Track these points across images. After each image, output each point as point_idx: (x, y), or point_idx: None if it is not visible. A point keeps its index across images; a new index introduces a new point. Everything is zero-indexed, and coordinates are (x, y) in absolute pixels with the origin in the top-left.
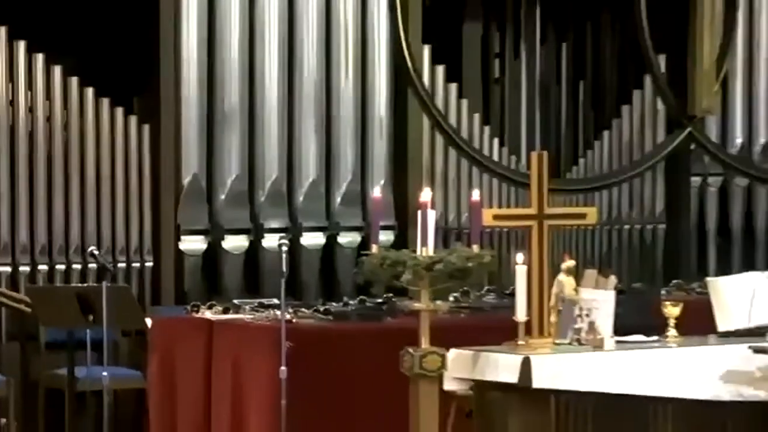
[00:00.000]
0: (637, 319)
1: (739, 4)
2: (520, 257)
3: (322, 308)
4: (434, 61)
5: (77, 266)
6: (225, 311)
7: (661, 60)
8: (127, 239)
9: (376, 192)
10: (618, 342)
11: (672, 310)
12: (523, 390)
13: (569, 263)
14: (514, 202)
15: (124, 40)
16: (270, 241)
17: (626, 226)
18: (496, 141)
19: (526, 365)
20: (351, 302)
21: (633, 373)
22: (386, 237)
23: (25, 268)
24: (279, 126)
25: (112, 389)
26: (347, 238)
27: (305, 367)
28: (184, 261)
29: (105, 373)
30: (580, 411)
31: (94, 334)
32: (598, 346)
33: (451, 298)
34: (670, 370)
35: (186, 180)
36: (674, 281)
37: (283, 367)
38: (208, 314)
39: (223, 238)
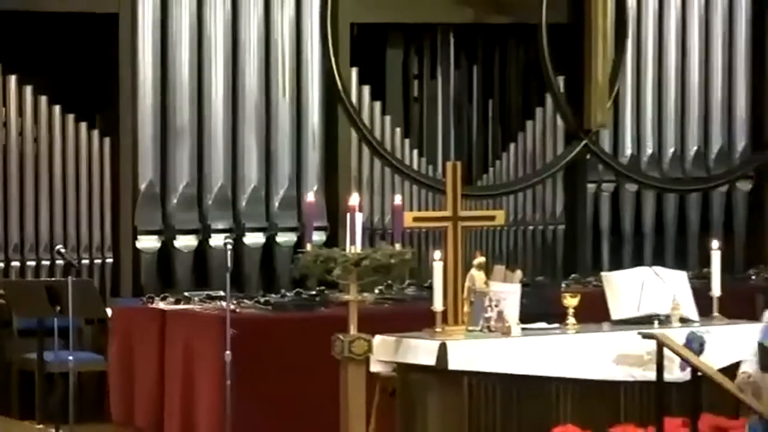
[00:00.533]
0: (540, 309)
1: (628, 32)
2: (437, 254)
3: (262, 299)
4: (361, 82)
5: (46, 262)
6: (177, 302)
7: (560, 81)
8: (90, 238)
9: (310, 197)
10: (523, 329)
11: (571, 301)
12: (440, 371)
13: (480, 259)
14: (432, 206)
15: (88, 63)
16: (216, 240)
17: (530, 227)
18: (415, 152)
19: (442, 350)
20: (288, 294)
21: (537, 356)
22: (319, 237)
23: None
24: (224, 139)
25: (77, 371)
26: (284, 238)
27: (247, 351)
28: (140, 258)
29: (71, 357)
30: (490, 390)
31: (61, 322)
32: (506, 332)
33: (376, 291)
34: (570, 354)
35: (142, 186)
36: (572, 275)
37: (227, 352)
38: (161, 305)
39: (175, 238)
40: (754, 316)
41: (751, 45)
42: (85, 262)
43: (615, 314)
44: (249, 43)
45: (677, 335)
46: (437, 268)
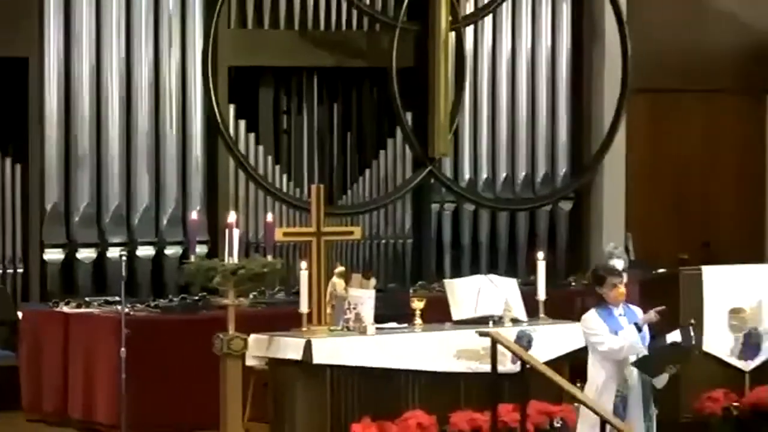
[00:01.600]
0: (391, 311)
1: (466, 74)
2: (303, 264)
3: (152, 304)
4: (237, 117)
5: None
6: (78, 306)
7: (408, 116)
8: (3, 251)
9: (194, 215)
10: (377, 328)
11: (418, 304)
12: (306, 365)
13: (340, 269)
14: (299, 223)
15: (2, 100)
16: (113, 252)
17: (383, 241)
18: (284, 177)
19: (308, 346)
20: (175, 299)
21: (389, 351)
22: (201, 249)
23: None
24: (120, 166)
25: None
26: (172, 250)
27: (140, 348)
28: (47, 268)
29: None
30: (349, 381)
31: None
32: (363, 331)
33: (251, 296)
34: (417, 349)
35: (48, 206)
36: (419, 282)
37: (122, 349)
38: (65, 309)
39: (77, 251)
40: (574, 317)
41: (571, 86)
42: None
43: (456, 315)
44: (141, 83)
45: (509, 333)
46: (303, 276)
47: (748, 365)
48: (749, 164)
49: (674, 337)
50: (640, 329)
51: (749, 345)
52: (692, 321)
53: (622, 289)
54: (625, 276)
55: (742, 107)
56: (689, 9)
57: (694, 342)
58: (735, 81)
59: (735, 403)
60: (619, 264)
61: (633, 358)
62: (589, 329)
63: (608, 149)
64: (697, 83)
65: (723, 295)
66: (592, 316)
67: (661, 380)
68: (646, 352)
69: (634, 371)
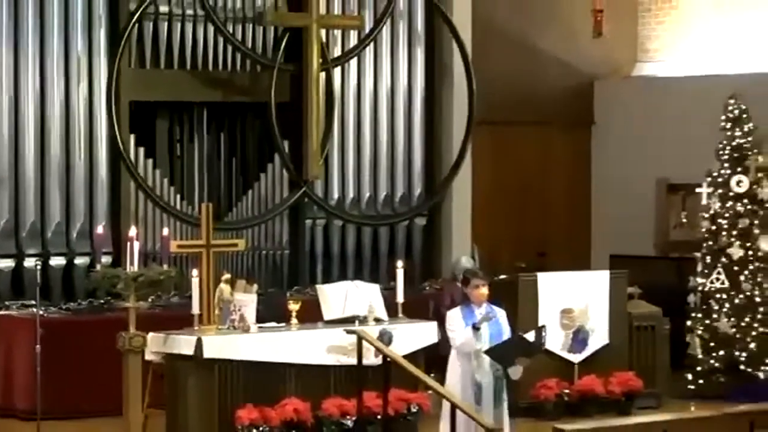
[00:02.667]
0: (271, 312)
1: (335, 107)
2: (194, 272)
3: (64, 306)
4: (137, 144)
5: None
6: None
7: (285, 144)
8: None
9: (100, 229)
10: (259, 327)
11: (294, 306)
12: (197, 359)
13: (227, 276)
14: (191, 236)
15: None
16: (29, 262)
17: (264, 252)
18: (178, 196)
19: (199, 343)
20: (83, 303)
21: (269, 347)
22: (106, 259)
23: None
24: (35, 186)
25: None
26: (80, 260)
27: (53, 345)
28: None
29: None
30: (235, 373)
31: None
32: (246, 330)
33: (150, 300)
34: (293, 345)
35: None
36: (295, 287)
37: (38, 346)
38: None
39: None
40: (428, 317)
41: (425, 118)
42: None
43: (326, 316)
44: (54, 113)
45: (372, 331)
46: (195, 282)
47: (577, 358)
48: (577, 185)
49: (528, 336)
50: (477, 328)
51: (578, 340)
52: (544, 324)
53: (483, 290)
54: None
55: (570, 137)
56: (524, 52)
57: (543, 341)
58: (564, 114)
59: (566, 390)
60: None
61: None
62: (448, 325)
63: (457, 173)
64: (532, 116)
65: (555, 297)
66: (453, 313)
67: (515, 372)
68: (478, 346)
69: (487, 363)
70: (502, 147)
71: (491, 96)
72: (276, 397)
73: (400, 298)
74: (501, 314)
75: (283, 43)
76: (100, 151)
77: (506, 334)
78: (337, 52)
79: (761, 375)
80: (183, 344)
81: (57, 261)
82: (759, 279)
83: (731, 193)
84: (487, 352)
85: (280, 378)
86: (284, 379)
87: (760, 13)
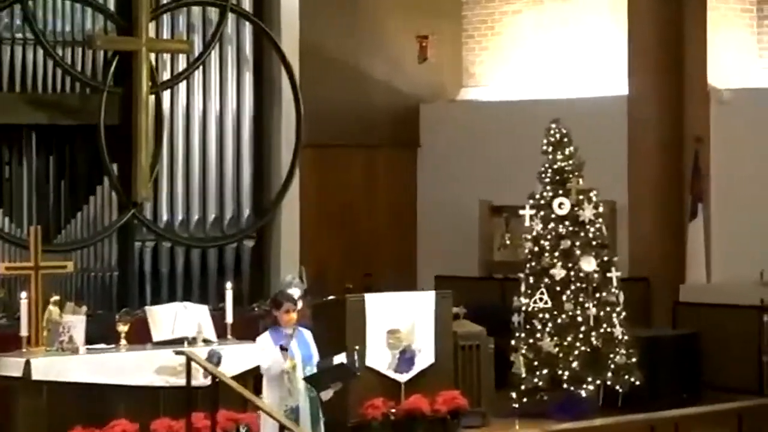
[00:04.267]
0: (100, 333)
1: (164, 130)
2: (23, 294)
3: None
4: None
5: None
6: None
7: (114, 167)
8: None
9: None
10: (88, 348)
11: (123, 327)
12: (25, 381)
13: (56, 298)
14: (19, 258)
15: None
16: None
17: (93, 273)
18: (7, 219)
19: (27, 365)
20: None
21: (98, 368)
22: None
23: None
24: None
25: None
26: None
27: None
28: None
29: None
30: (65, 396)
31: None
32: (75, 351)
33: None
34: (122, 366)
35: None
36: (124, 308)
37: None
38: None
39: None
40: (256, 338)
41: (254, 140)
42: None
43: (156, 337)
44: None
45: (201, 352)
46: (24, 304)
47: (403, 377)
48: (403, 207)
49: (341, 358)
50: (285, 349)
51: (404, 360)
52: (357, 347)
53: (292, 315)
54: (300, 303)
55: (396, 159)
56: (352, 76)
57: (357, 365)
58: (390, 137)
59: (392, 410)
60: (296, 293)
61: (301, 373)
62: (257, 352)
63: (285, 195)
64: (359, 139)
65: (382, 318)
66: (263, 337)
67: (326, 394)
68: (285, 367)
69: (302, 385)
70: (330, 169)
71: (319, 119)
72: (106, 419)
73: (229, 318)
74: (308, 335)
75: (113, 66)
76: None
77: (315, 355)
78: (166, 75)
79: (583, 393)
80: (11, 366)
81: None
82: (581, 299)
83: (553, 215)
84: (305, 379)
85: (110, 399)
86: (114, 400)
87: (578, 40)
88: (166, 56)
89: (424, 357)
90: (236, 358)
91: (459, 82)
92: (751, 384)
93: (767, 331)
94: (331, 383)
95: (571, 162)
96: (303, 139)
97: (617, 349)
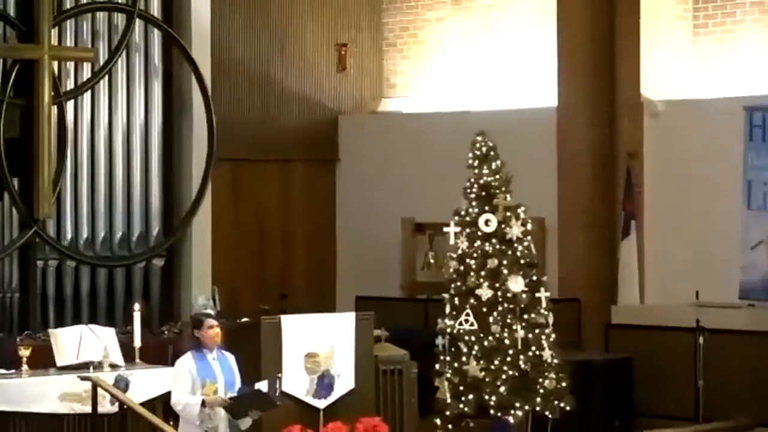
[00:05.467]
0: (1, 357)
1: (67, 143)
2: None
3: None
4: None
5: None
6: None
7: (15, 182)
8: None
9: None
10: None
11: (24, 352)
12: None
13: None
14: None
15: None
16: None
17: None
18: None
19: None
20: None
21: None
22: None
23: None
24: None
25: None
26: None
27: None
28: None
29: None
30: None
31: None
32: None
33: None
34: (24, 393)
35: None
36: (26, 332)
37: None
38: None
39: None
40: (167, 362)
41: (163, 155)
42: None
43: (60, 361)
44: None
45: (108, 377)
46: None
47: (322, 403)
48: (321, 224)
49: (261, 386)
50: (204, 405)
51: (323, 385)
52: (279, 375)
53: (217, 330)
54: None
55: (314, 174)
56: (265, 88)
57: (278, 393)
58: (307, 151)
59: None
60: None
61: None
62: (174, 381)
63: (196, 212)
64: (275, 153)
65: (299, 341)
66: (184, 359)
67: (244, 423)
68: (197, 419)
69: (221, 412)
70: (244, 185)
71: (232, 132)
72: None
73: (137, 342)
74: (232, 360)
75: (13, 76)
76: None
77: (238, 380)
78: (70, 85)
79: (511, 419)
80: None
81: None
82: (508, 320)
83: (479, 233)
84: (224, 407)
85: (11, 428)
86: (15, 429)
87: (505, 49)
88: (70, 65)
89: (344, 382)
90: (145, 384)
91: (380, 93)
92: (686, 410)
93: (703, 355)
94: (250, 411)
95: (498, 177)
96: (215, 153)
97: (546, 374)
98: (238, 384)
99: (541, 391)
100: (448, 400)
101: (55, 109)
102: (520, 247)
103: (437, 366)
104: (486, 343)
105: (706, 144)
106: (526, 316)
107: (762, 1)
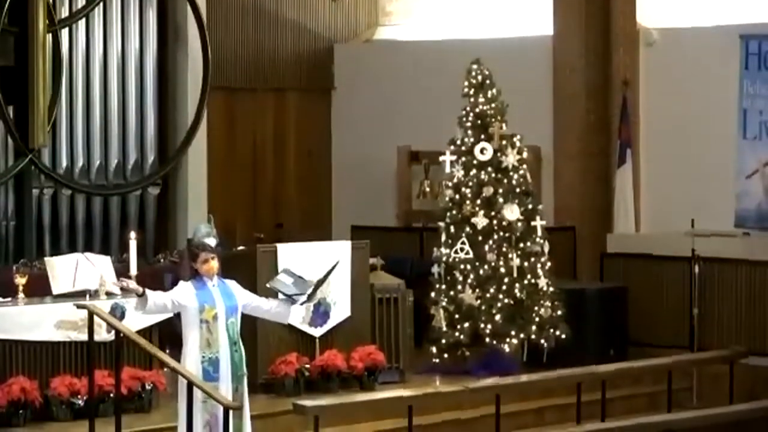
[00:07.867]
0: None
1: (62, 72)
2: None
3: None
4: None
5: None
6: None
7: (10, 110)
8: None
9: None
10: None
11: (20, 280)
12: None
13: None
14: None
15: None
16: None
17: None
18: None
19: None
20: None
21: None
22: None
23: None
24: None
25: None
26: None
27: None
28: None
29: None
30: None
31: None
32: None
33: None
34: (20, 321)
35: None
36: (22, 260)
37: None
38: None
39: None
40: (163, 290)
41: (158, 83)
42: None
43: (56, 290)
44: None
45: (104, 305)
46: None
47: (317, 332)
48: (316, 154)
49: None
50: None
51: (318, 314)
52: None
53: (213, 263)
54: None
55: (309, 103)
56: (259, 15)
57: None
58: (302, 80)
59: (306, 365)
60: (211, 242)
61: (224, 324)
62: (174, 293)
63: (192, 140)
64: (269, 82)
65: (295, 269)
66: (182, 285)
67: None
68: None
69: (223, 336)
70: (238, 114)
71: (227, 61)
72: (3, 376)
73: (133, 270)
74: (232, 285)
75: (7, 4)
76: None
77: (251, 299)
78: (64, 13)
79: (506, 348)
80: None
81: None
82: (503, 249)
83: (475, 162)
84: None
85: (7, 356)
86: (11, 356)
87: None
88: None
89: (340, 310)
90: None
91: (375, 21)
92: (681, 339)
93: (698, 284)
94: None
95: (493, 105)
96: (210, 82)
97: (542, 302)
98: (239, 309)
99: (537, 319)
100: (444, 329)
101: (49, 38)
102: (515, 176)
103: (432, 294)
104: (481, 271)
105: (701, 73)
106: (521, 245)
107: None
